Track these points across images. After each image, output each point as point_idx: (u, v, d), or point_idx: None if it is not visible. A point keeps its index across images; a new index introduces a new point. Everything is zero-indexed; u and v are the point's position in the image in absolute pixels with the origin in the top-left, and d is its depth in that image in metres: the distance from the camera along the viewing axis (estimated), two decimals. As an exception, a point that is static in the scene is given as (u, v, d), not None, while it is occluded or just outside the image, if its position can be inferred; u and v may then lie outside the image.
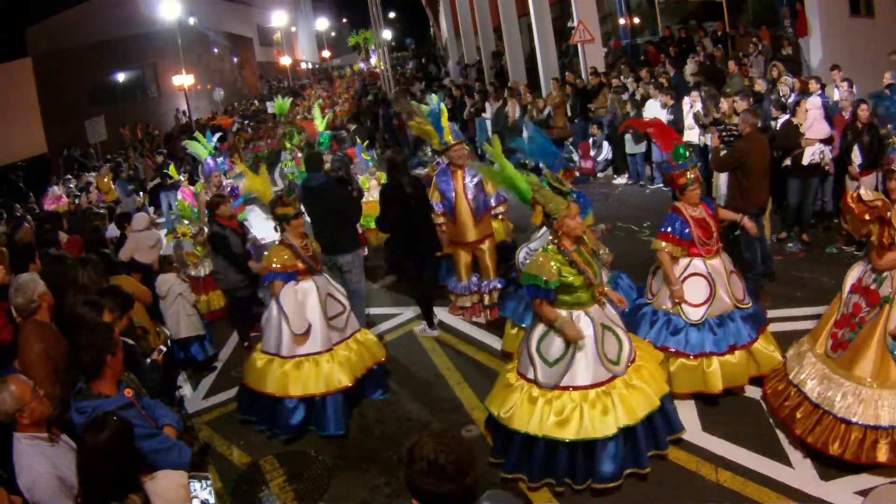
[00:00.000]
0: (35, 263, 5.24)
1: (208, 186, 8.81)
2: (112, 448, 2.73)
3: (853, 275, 4.29)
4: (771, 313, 5.56)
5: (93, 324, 3.56)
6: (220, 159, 10.54)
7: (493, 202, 6.51)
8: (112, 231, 9.44)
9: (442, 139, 6.43)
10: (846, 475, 3.98)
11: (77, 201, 12.35)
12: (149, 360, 4.42)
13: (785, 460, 4.22)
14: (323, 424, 5.17)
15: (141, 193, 14.63)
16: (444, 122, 6.39)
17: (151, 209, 14.71)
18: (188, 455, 3.39)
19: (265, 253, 5.59)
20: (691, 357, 4.75)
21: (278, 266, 5.19)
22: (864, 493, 3.82)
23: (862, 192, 4.06)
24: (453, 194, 6.37)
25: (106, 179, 14.68)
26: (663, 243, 4.85)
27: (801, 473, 4.09)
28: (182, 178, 11.23)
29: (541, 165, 5.45)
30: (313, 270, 5.36)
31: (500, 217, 6.84)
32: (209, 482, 2.76)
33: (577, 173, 6.94)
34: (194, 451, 3.68)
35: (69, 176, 17.81)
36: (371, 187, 9.70)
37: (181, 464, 3.23)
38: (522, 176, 4.45)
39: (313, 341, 5.21)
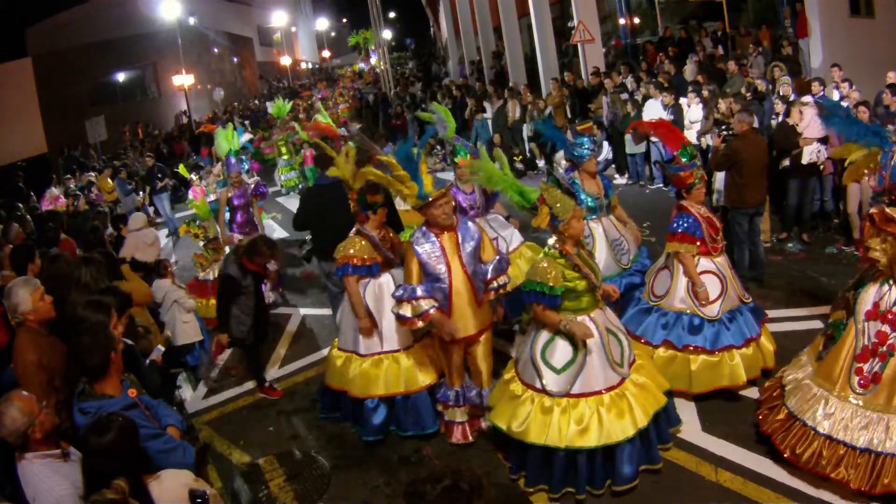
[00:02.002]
0: (34, 264, 5.23)
1: (228, 185, 8.47)
2: (117, 449, 2.70)
3: (865, 302, 3.91)
4: (771, 313, 5.57)
5: (92, 324, 3.55)
6: (244, 158, 10.05)
7: (490, 272, 4.55)
8: (108, 230, 9.43)
9: (421, 192, 4.45)
10: (846, 475, 3.98)
11: (76, 203, 12.22)
12: (148, 361, 4.41)
13: (785, 460, 4.21)
14: (406, 425, 4.89)
15: (140, 193, 14.58)
16: (423, 170, 4.54)
17: (151, 209, 14.68)
18: (192, 455, 3.38)
19: (339, 244, 4.97)
20: (715, 353, 4.75)
21: (356, 258, 4.82)
22: (863, 493, 3.82)
23: (887, 210, 3.86)
24: (446, 271, 4.41)
25: (109, 180, 14.66)
26: (678, 244, 4.83)
27: (801, 473, 4.06)
28: (193, 178, 10.98)
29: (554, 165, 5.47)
30: (391, 263, 5.00)
31: (500, 291, 4.66)
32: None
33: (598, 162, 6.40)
34: (195, 451, 3.67)
35: (69, 176, 17.78)
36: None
37: (185, 464, 3.22)
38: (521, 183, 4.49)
39: (392, 338, 4.91)
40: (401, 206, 6.62)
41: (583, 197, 5.49)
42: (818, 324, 5.70)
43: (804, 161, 7.26)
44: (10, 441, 2.90)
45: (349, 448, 5.06)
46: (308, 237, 7.91)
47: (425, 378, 4.88)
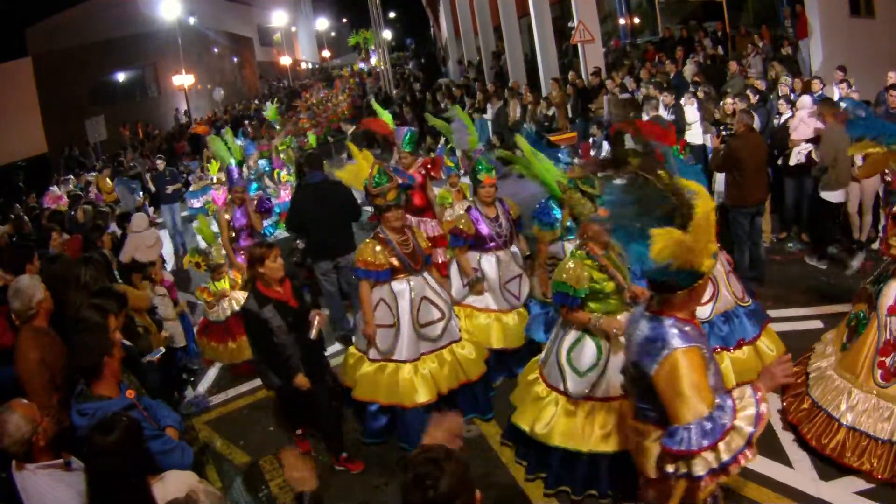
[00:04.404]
0: (33, 264, 5.22)
1: (230, 202, 7.08)
2: (122, 448, 2.66)
3: (887, 297, 3.95)
4: (771, 313, 5.56)
5: (90, 325, 3.53)
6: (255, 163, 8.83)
7: None
8: (112, 228, 9.38)
9: None
10: (846, 475, 3.97)
11: (73, 212, 11.80)
12: (145, 361, 4.40)
13: (785, 460, 4.21)
14: (404, 436, 4.78)
15: (141, 193, 14.54)
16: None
17: (151, 209, 14.66)
18: (190, 456, 3.37)
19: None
20: None
21: (369, 263, 4.66)
22: (863, 493, 3.82)
23: None
24: None
25: (108, 180, 14.64)
26: None
27: (801, 473, 4.08)
28: (215, 179, 10.01)
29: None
30: (411, 270, 4.77)
31: None
32: None
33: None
34: (194, 452, 3.67)
35: (69, 176, 17.79)
36: (455, 204, 7.46)
37: (184, 465, 3.21)
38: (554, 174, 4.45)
39: (398, 349, 4.75)
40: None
41: (557, 215, 5.18)
42: (818, 323, 5.70)
43: (791, 162, 7.23)
44: (14, 451, 2.82)
45: (349, 448, 5.03)
46: (299, 242, 7.65)
47: (422, 396, 4.72)
